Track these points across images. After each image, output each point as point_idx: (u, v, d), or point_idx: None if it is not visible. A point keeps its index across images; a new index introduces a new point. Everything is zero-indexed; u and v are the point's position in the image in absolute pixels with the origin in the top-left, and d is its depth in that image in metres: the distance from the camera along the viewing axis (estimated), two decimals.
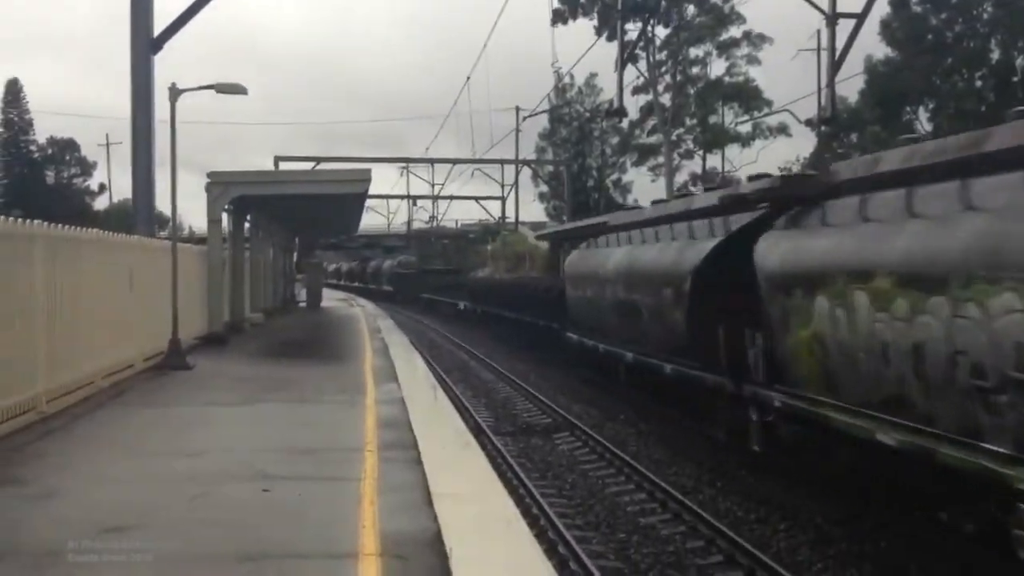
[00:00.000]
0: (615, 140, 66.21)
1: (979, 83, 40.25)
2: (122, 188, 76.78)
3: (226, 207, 24.67)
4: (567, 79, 62.63)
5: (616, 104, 32.89)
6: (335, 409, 13.00)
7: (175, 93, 18.64)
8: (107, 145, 79.18)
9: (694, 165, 59.09)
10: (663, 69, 56.05)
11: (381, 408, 12.85)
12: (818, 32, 34.93)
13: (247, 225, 29.55)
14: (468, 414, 18.51)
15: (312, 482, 8.68)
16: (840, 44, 30.00)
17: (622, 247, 20.41)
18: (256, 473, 8.82)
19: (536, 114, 61.09)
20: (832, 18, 30.42)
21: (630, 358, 18.77)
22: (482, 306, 42.16)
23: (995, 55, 39.77)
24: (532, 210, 73.04)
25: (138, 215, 24.03)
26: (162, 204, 28.94)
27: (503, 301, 36.66)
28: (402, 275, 68.51)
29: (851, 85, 42.96)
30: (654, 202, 21.20)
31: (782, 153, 75.06)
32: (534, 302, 30.49)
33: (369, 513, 7.52)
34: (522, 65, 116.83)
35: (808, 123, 46.24)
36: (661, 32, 54.12)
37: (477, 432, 15.91)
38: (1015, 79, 38.56)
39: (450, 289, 52.99)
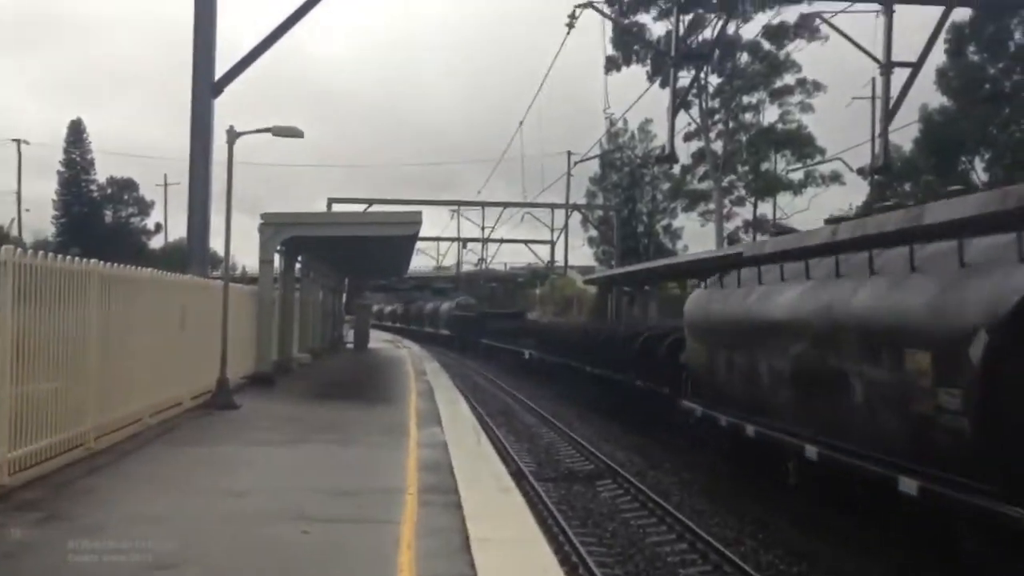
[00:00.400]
0: (666, 186, 66.36)
1: None
2: (178, 227, 78.38)
3: (278, 248, 25.04)
4: (620, 124, 63.04)
5: (667, 150, 33.00)
6: (378, 451, 13.07)
7: (233, 136, 19.00)
8: (164, 185, 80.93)
9: (745, 212, 58.96)
10: (715, 116, 56.19)
11: (423, 451, 12.90)
12: (872, 80, 34.85)
13: (298, 266, 29.94)
14: (511, 459, 18.47)
15: (352, 524, 8.75)
16: (895, 92, 30.03)
17: (793, 284, 13.85)
18: (299, 514, 8.90)
19: (587, 159, 61.59)
20: (887, 67, 30.39)
21: (812, 454, 12.24)
22: (554, 357, 34.88)
23: None
24: (581, 254, 73.29)
25: (192, 255, 24.48)
26: (217, 244, 29.52)
27: (585, 353, 29.55)
28: (461, 318, 62.58)
29: (906, 134, 42.69)
30: (831, 220, 16.11)
31: (833, 202, 74.36)
32: (631, 357, 23.53)
33: (407, 557, 7.54)
34: (574, 110, 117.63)
35: (860, 172, 45.96)
36: (714, 79, 54.40)
37: (519, 477, 15.88)
38: None
39: (514, 335, 46.25)
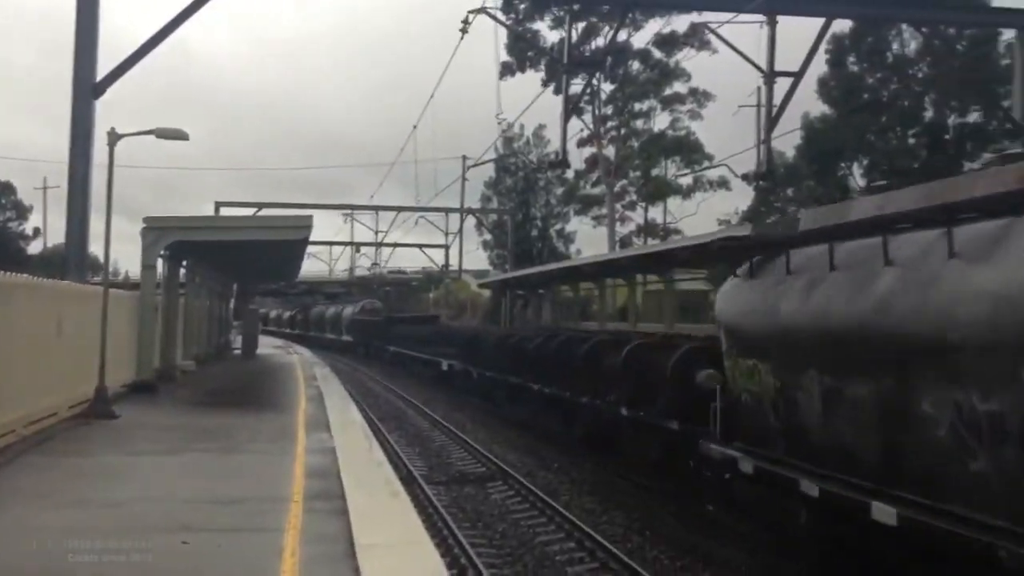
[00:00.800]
0: (560, 190, 67.06)
1: (912, 141, 41.36)
2: (57, 232, 75.69)
3: (162, 252, 24.41)
4: (515, 129, 63.52)
5: (560, 155, 33.27)
6: (263, 459, 12.85)
7: (114, 138, 18.47)
8: (44, 189, 78.15)
9: (637, 216, 59.94)
10: (608, 122, 57.08)
11: (311, 458, 12.74)
12: (758, 89, 35.68)
13: (183, 271, 29.24)
14: (401, 463, 18.36)
15: (235, 533, 8.59)
16: (778, 101, 30.88)
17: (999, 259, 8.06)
18: (179, 524, 8.71)
19: (481, 163, 61.78)
20: (770, 76, 31.28)
21: None
22: (486, 370, 28.30)
23: (928, 114, 40.92)
24: (475, 258, 73.45)
25: (70, 260, 23.72)
26: (98, 249, 28.59)
27: (532, 367, 22.99)
28: (365, 323, 57.00)
29: (790, 140, 43.95)
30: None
31: (719, 206, 76.20)
32: (612, 375, 17.71)
33: (289, 565, 7.47)
34: (469, 114, 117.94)
35: (745, 177, 47.06)
36: (607, 86, 55.24)
37: (409, 481, 15.81)
38: (947, 137, 39.69)
39: (428, 343, 39.98)
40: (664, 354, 15.79)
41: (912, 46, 41.04)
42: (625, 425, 17.13)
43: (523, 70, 54.99)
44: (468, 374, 31.13)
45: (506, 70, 53.86)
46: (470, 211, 68.50)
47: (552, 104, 49.41)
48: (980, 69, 36.81)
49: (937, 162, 36.81)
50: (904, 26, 39.01)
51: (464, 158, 65.39)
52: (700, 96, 55.24)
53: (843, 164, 42.63)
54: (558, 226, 68.35)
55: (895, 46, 41.85)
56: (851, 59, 42.42)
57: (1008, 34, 33.47)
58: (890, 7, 31.02)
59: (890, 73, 42.00)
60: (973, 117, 39.13)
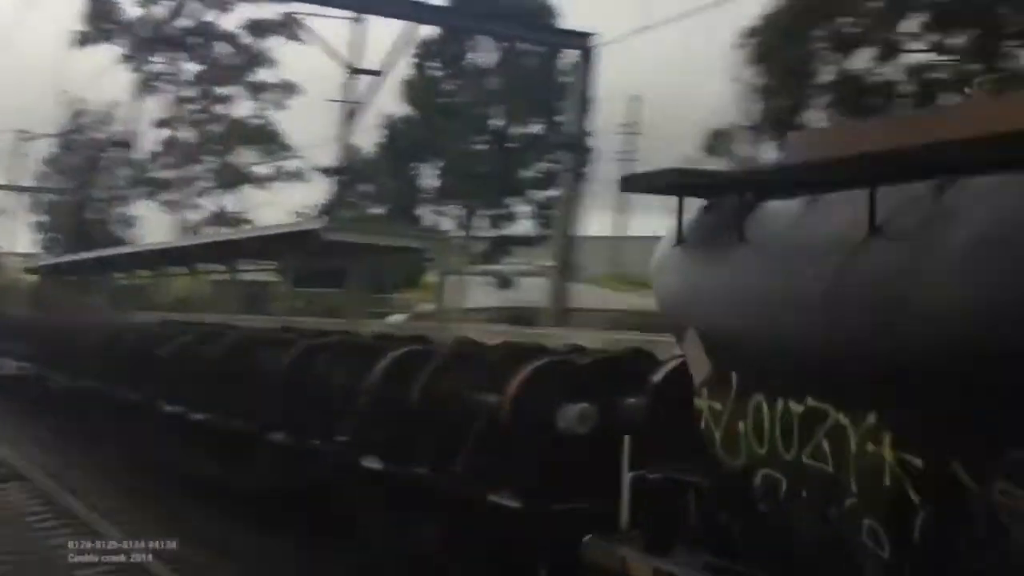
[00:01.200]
0: (127, 172, 63.68)
1: (481, 147, 43.85)
2: None
3: None
4: (84, 105, 59.78)
5: (128, 135, 31.77)
6: None
7: None
8: None
9: (211, 203, 58.18)
10: (189, 104, 55.14)
11: None
12: (342, 85, 35.94)
13: None
14: None
15: None
16: (365, 98, 31.38)
17: None
18: None
19: (37, 138, 57.55)
20: (352, 72, 31.78)
21: None
22: (77, 379, 19.10)
23: (496, 122, 43.53)
24: (27, 241, 67.59)
25: None
26: None
27: (181, 378, 13.88)
28: None
29: (375, 138, 44.93)
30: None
31: (300, 198, 76.47)
32: (369, 400, 9.38)
33: None
34: (32, 84, 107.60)
35: (325, 171, 47.34)
36: (192, 67, 53.34)
37: None
38: (510, 145, 42.57)
39: None
40: (487, 373, 8.41)
41: (490, 58, 43.54)
42: (366, 483, 9.29)
43: (101, 41, 51.98)
44: (42, 382, 21.86)
45: (85, 39, 50.78)
46: (24, 189, 63.57)
47: (128, 80, 47.07)
48: (543, 84, 39.80)
49: (500, 168, 39.48)
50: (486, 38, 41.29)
51: (19, 132, 60.86)
52: (290, 87, 54.82)
53: (417, 164, 44.25)
54: (121, 209, 64.79)
55: (472, 55, 44.14)
56: (435, 64, 44.11)
57: (572, 54, 36.67)
58: (471, 20, 33.00)
59: (467, 81, 44.18)
60: (536, 128, 42.06)
